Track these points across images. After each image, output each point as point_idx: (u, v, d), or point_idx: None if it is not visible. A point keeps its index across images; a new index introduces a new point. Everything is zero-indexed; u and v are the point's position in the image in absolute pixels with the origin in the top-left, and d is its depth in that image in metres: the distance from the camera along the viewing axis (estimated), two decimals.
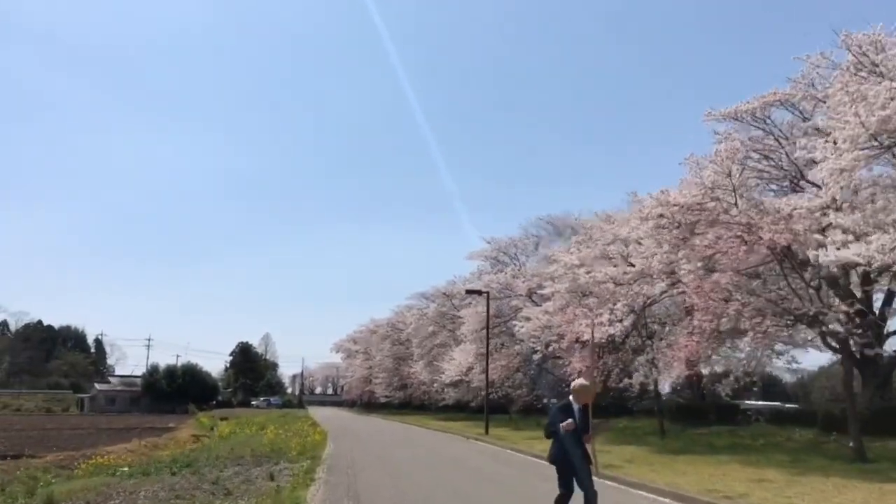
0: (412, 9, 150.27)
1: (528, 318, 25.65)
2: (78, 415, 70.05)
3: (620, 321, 18.85)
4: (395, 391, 59.25)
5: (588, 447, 6.80)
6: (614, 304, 19.09)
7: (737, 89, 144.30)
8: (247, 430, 31.22)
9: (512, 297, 29.83)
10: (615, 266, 18.82)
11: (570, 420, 6.59)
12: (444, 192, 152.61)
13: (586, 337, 19.21)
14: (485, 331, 32.03)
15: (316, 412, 63.69)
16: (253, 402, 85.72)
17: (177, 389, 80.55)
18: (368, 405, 73.10)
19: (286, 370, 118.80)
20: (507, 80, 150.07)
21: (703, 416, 25.21)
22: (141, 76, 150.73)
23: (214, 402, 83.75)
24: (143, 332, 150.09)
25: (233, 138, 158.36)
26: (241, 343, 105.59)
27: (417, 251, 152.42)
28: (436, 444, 22.14)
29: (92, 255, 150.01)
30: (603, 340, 19.17)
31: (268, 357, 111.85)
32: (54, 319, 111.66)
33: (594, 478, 6.78)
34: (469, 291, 26.57)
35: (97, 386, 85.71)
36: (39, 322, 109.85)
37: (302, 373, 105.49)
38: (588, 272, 19.23)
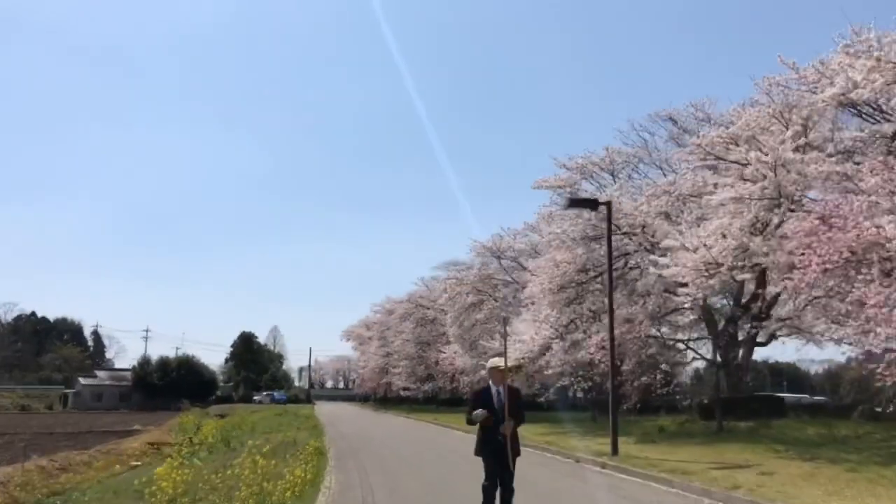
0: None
1: (669, 250, 14.71)
2: (55, 413, 62.64)
3: None
4: (418, 383, 48.88)
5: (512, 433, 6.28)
6: None
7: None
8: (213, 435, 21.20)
9: (618, 233, 18.66)
10: None
11: (480, 410, 6.26)
12: (449, 185, 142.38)
13: None
14: (564, 291, 21.27)
15: (323, 408, 54.69)
16: (255, 398, 76.76)
17: (170, 383, 73.60)
18: (385, 400, 63.33)
19: (295, 364, 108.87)
20: (508, 72, 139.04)
21: None
22: (142, 70, 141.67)
23: (213, 398, 75.40)
24: (143, 326, 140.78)
25: (233, 135, 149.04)
26: (243, 333, 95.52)
27: (427, 245, 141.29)
28: (546, 485, 11.21)
29: (92, 248, 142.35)
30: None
31: (275, 351, 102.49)
32: (50, 311, 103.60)
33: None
34: (574, 202, 15.31)
35: (82, 381, 77.63)
36: (32, 314, 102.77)
37: (309, 365, 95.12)
38: None
